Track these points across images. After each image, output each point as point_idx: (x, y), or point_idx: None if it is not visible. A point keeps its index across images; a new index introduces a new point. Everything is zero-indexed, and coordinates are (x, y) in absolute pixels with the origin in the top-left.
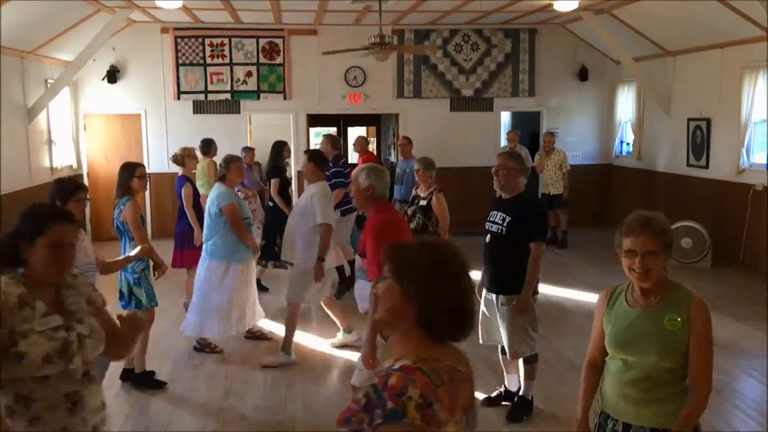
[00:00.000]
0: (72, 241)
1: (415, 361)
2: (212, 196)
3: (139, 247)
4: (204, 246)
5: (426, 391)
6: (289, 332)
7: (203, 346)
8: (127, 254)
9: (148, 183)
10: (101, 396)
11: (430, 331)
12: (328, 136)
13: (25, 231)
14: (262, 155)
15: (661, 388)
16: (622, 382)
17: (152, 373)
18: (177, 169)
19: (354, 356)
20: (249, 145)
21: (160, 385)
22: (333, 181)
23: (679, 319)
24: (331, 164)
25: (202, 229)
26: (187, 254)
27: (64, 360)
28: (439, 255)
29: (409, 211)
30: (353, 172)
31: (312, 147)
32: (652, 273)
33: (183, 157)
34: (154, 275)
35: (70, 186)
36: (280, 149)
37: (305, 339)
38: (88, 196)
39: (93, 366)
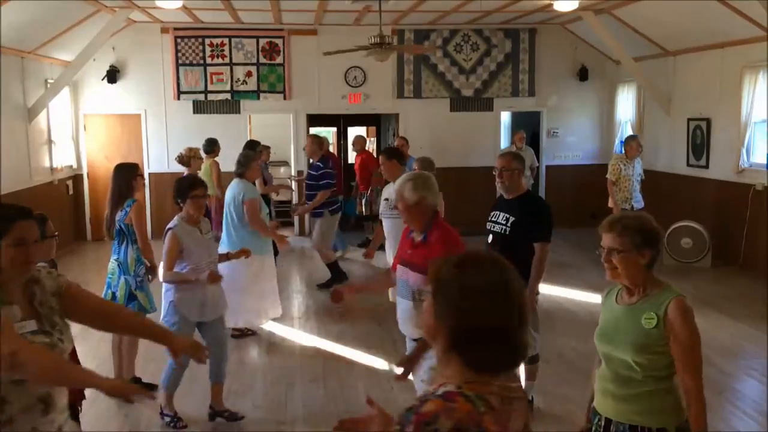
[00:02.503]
0: (35, 238)
1: (460, 386)
2: (233, 192)
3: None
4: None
5: (465, 420)
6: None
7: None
8: (127, 256)
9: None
10: (65, 393)
11: (464, 357)
12: (313, 137)
13: None
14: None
15: (637, 386)
16: (603, 377)
17: (138, 379)
18: (177, 169)
19: (353, 354)
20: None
21: (150, 388)
22: (323, 182)
23: (654, 317)
24: (320, 164)
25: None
26: None
27: None
28: (483, 271)
29: None
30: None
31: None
32: (617, 270)
33: (189, 158)
34: (149, 279)
35: (185, 183)
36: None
37: (305, 338)
38: (207, 194)
39: None
